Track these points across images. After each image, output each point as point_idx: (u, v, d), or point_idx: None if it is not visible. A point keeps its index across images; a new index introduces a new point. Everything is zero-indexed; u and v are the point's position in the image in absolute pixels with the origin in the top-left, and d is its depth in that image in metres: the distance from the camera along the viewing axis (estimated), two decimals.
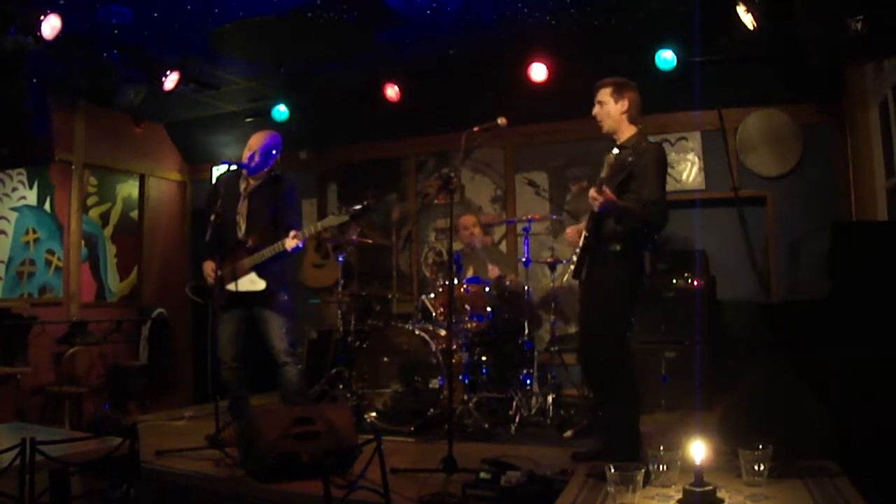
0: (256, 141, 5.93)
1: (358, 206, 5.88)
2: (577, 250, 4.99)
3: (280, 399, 5.97)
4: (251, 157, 5.88)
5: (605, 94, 4.97)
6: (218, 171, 9.67)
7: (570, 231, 5.25)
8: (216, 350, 5.92)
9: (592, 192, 4.63)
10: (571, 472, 4.10)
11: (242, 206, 5.91)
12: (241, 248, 5.83)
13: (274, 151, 5.94)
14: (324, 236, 7.37)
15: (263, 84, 8.48)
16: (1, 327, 7.51)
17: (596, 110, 5.02)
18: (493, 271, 7.46)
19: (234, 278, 5.79)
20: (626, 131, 4.97)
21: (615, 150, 4.99)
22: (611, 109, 4.97)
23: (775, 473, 3.17)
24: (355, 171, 9.77)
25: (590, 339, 4.95)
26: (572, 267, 5.08)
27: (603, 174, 4.96)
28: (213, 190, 6.07)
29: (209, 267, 5.87)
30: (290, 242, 5.66)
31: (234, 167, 6.05)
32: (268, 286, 5.80)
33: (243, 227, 5.88)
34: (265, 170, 5.93)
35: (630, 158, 4.73)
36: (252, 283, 5.79)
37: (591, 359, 4.97)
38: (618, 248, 4.77)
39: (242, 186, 5.96)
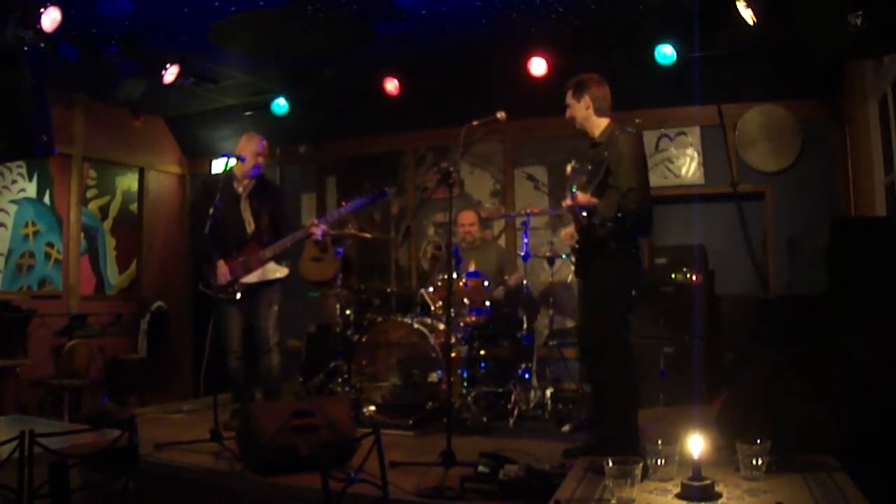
0: (257, 145, 6.28)
1: (375, 194, 6.39)
2: (574, 251, 5.05)
3: (260, 386, 6.19)
4: (258, 159, 6.27)
5: (568, 98, 5.09)
6: (218, 164, 9.69)
7: (564, 233, 5.29)
8: (224, 341, 6.14)
9: (566, 202, 4.87)
10: (569, 466, 4.11)
11: (245, 205, 6.27)
12: (253, 243, 6.20)
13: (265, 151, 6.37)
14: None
15: (263, 78, 8.48)
16: (0, 320, 7.51)
17: (567, 114, 5.13)
18: (513, 279, 7.48)
19: (250, 271, 6.15)
20: (598, 126, 5.06)
21: (591, 146, 5.09)
22: (575, 110, 5.08)
23: (773, 468, 3.18)
24: (354, 165, 9.76)
25: (588, 333, 4.99)
26: (573, 267, 5.12)
27: (584, 174, 5.02)
28: (213, 188, 6.18)
29: (224, 267, 6.13)
30: (316, 228, 6.16)
31: (232, 162, 6.23)
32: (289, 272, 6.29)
33: (252, 224, 6.24)
34: (260, 171, 6.36)
35: (606, 154, 4.79)
36: (274, 271, 6.23)
37: (589, 353, 5.01)
38: (613, 245, 4.80)
39: (240, 189, 6.31)
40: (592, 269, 4.92)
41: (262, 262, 6.14)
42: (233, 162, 6.28)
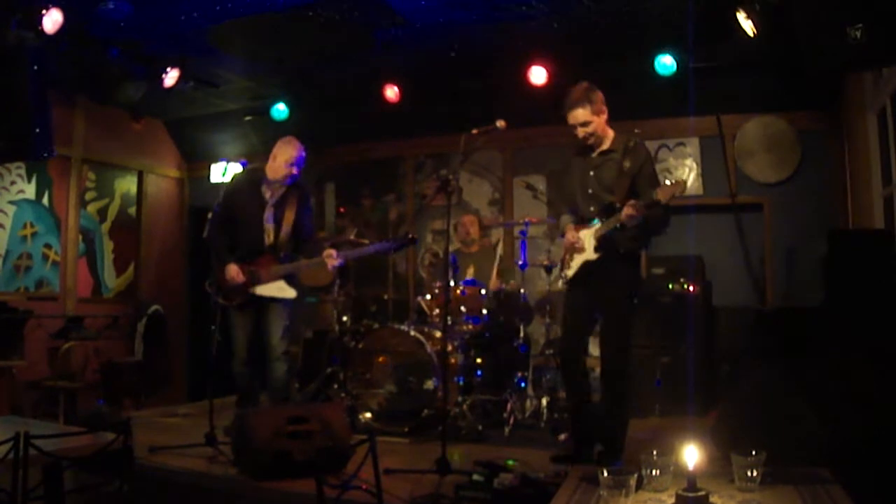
0: (294, 152, 5.99)
1: (403, 240, 6.12)
2: (576, 257, 4.99)
3: (267, 394, 6.14)
4: (293, 169, 5.97)
5: (584, 115, 4.90)
6: (217, 168, 9.69)
7: (570, 234, 5.13)
8: (229, 347, 6.08)
9: (629, 211, 4.60)
10: (564, 475, 4.10)
11: (269, 214, 6.02)
12: (268, 255, 5.99)
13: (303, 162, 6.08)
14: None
15: (263, 83, 8.49)
16: None
17: (582, 132, 4.95)
18: (494, 282, 7.48)
19: (259, 283, 5.95)
20: (609, 134, 5.00)
21: (597, 154, 5.01)
22: (597, 125, 4.93)
23: (768, 480, 3.17)
24: (353, 171, 9.76)
25: (617, 350, 4.91)
26: (569, 273, 5.06)
27: (591, 182, 4.97)
28: (234, 188, 6.14)
29: (233, 270, 5.91)
30: (332, 262, 5.84)
31: (247, 167, 6.12)
32: (297, 295, 6.05)
33: (272, 235, 6.01)
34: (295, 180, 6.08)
35: (627, 163, 4.76)
36: (280, 290, 5.97)
37: (617, 371, 4.93)
38: (633, 255, 4.88)
39: (267, 194, 6.06)
40: (605, 278, 4.88)
41: (273, 279, 5.95)
42: (232, 167, 6.23)
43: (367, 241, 7.78)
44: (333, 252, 5.92)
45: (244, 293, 5.97)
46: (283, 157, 5.95)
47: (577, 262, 5.00)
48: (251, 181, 6.11)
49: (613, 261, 4.85)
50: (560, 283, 5.24)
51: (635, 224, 4.66)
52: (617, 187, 4.81)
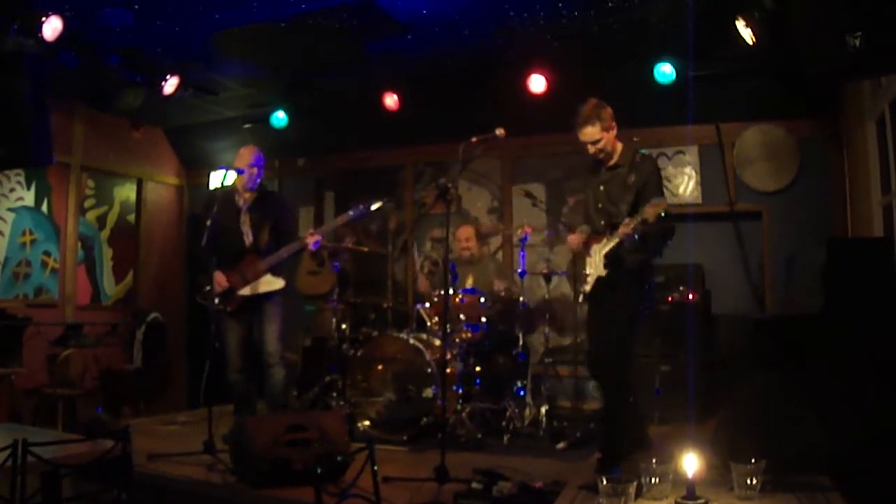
0: (249, 154, 6.26)
1: (377, 204, 6.31)
2: (591, 273, 5.02)
3: (265, 400, 6.17)
4: (253, 170, 6.22)
5: (594, 133, 4.95)
6: (216, 176, 9.69)
7: (572, 238, 5.23)
8: (223, 354, 6.15)
9: (623, 229, 4.66)
10: (563, 483, 4.10)
11: (245, 218, 6.25)
12: (251, 255, 6.17)
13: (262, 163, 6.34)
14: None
15: (263, 90, 8.48)
16: None
17: (592, 150, 5.01)
18: (498, 285, 7.44)
19: (247, 283, 6.13)
20: (618, 149, 5.03)
21: (606, 169, 5.06)
22: (606, 142, 4.98)
23: (768, 487, 3.17)
24: (353, 179, 9.76)
25: (615, 360, 4.93)
26: (586, 289, 5.08)
27: (601, 196, 4.99)
28: (211, 201, 6.25)
29: (220, 277, 6.08)
30: (311, 238, 6.08)
31: (231, 175, 6.28)
32: (286, 284, 6.24)
33: (251, 236, 6.21)
34: (259, 183, 6.32)
35: (632, 178, 4.80)
36: (269, 283, 6.16)
37: (613, 381, 4.94)
38: (630, 263, 4.87)
39: (240, 202, 6.30)
40: (610, 291, 4.90)
41: (259, 274, 6.10)
42: (231, 174, 6.32)
43: (365, 248, 7.84)
44: (311, 230, 6.23)
45: (236, 297, 6.10)
46: (243, 164, 6.21)
47: (591, 278, 5.08)
48: (228, 193, 6.33)
49: (618, 275, 4.88)
50: (580, 298, 5.31)
51: (632, 241, 4.70)
52: (622, 201, 4.85)
